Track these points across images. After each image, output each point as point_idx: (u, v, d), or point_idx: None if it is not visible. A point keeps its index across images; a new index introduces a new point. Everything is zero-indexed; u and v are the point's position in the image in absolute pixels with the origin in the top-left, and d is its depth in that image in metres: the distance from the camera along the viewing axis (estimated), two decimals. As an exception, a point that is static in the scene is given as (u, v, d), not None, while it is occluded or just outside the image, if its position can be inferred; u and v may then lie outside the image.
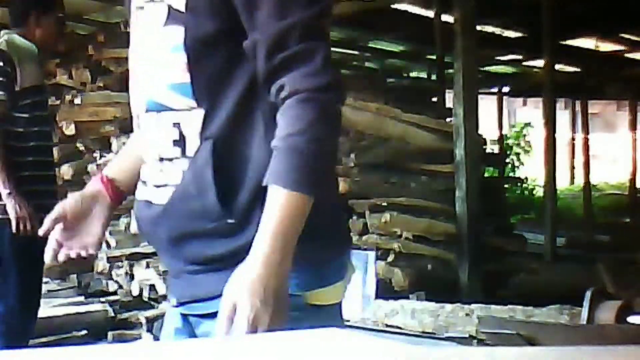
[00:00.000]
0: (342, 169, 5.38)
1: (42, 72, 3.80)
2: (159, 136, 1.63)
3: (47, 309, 5.01)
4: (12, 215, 3.37)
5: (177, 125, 1.60)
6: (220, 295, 1.50)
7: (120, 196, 1.89)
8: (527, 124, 14.93)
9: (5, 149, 3.40)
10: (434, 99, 8.04)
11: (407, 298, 4.87)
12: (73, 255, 1.79)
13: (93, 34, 6.59)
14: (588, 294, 3.97)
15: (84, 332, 4.78)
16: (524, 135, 14.87)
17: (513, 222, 7.76)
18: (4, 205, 3.39)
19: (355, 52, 11.24)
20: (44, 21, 3.61)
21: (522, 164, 14.41)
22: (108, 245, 5.32)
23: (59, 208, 1.76)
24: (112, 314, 5.05)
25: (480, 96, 6.53)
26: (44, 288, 5.64)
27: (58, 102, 5.92)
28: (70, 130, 5.68)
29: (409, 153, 5.87)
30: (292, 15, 1.49)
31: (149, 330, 4.68)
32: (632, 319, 3.90)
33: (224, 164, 1.56)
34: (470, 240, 5.41)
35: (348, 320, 3.65)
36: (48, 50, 3.82)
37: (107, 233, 5.25)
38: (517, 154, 14.46)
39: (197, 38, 1.56)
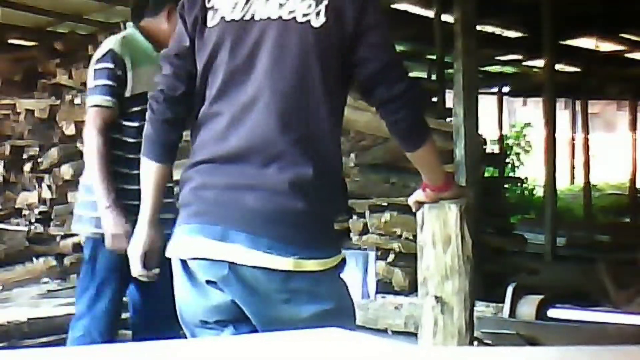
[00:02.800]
0: (342, 169, 5.37)
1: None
2: None
3: (47, 309, 5.01)
4: (106, 231, 3.05)
5: None
6: None
7: None
8: (527, 124, 14.94)
9: (110, 160, 3.07)
10: (434, 99, 8.04)
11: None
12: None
13: (93, 34, 6.59)
14: (510, 288, 4.03)
15: (84, 332, 4.77)
16: (524, 135, 14.88)
17: (513, 222, 7.75)
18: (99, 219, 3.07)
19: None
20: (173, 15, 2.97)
21: (522, 164, 14.41)
22: (108, 245, 5.32)
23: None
24: (112, 314, 5.04)
25: (480, 96, 6.53)
26: (44, 288, 5.67)
27: (58, 102, 5.93)
28: (70, 130, 5.69)
29: (409, 153, 5.86)
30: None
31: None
32: (551, 312, 3.95)
33: None
34: (470, 240, 5.40)
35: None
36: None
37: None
38: (517, 154, 14.47)
39: None
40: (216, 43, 2.10)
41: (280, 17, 2.08)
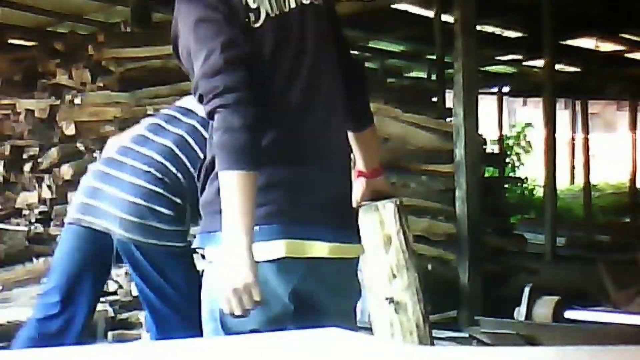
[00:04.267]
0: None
1: None
2: None
3: (47, 309, 5.01)
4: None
5: None
6: None
7: None
8: (528, 124, 14.92)
9: None
10: (434, 99, 8.04)
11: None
12: None
13: (93, 34, 6.59)
14: (526, 290, 4.01)
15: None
16: (525, 136, 14.87)
17: (513, 222, 7.75)
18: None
19: (355, 52, 11.24)
20: None
21: (522, 164, 14.41)
22: (108, 245, 5.32)
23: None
24: (112, 314, 5.04)
25: (480, 96, 6.53)
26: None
27: (58, 102, 5.93)
28: (70, 130, 5.68)
29: (409, 153, 5.87)
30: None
31: (149, 330, 4.67)
32: (568, 314, 3.94)
33: None
34: (470, 240, 5.41)
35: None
36: None
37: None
38: (518, 154, 14.46)
39: None
40: (265, 43, 2.08)
41: (311, 2, 2.14)
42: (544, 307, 3.95)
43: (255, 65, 2.06)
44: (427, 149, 5.88)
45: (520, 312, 3.99)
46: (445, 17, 7.90)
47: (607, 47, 11.40)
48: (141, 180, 3.07)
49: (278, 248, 2.01)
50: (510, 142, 14.66)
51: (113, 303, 5.20)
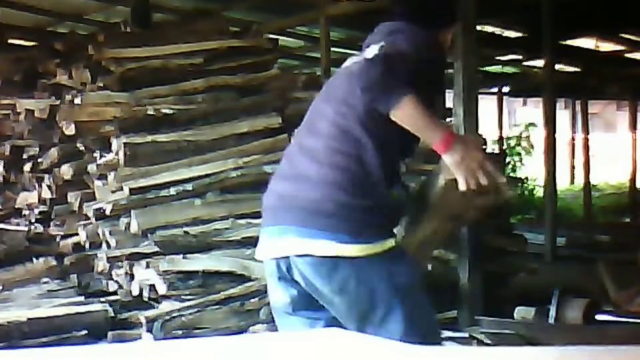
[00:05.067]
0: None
1: None
2: None
3: (47, 309, 5.01)
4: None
5: None
6: None
7: None
8: (531, 124, 14.89)
9: None
10: (434, 99, 8.03)
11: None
12: None
13: (93, 34, 6.59)
14: (556, 292, 3.99)
15: (84, 332, 4.78)
16: (528, 137, 14.84)
17: (513, 222, 7.75)
18: None
19: (356, 52, 11.23)
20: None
21: (523, 164, 14.41)
22: (108, 245, 5.32)
23: None
24: (112, 314, 5.05)
25: (480, 96, 6.52)
26: (44, 288, 5.67)
27: (58, 102, 5.93)
28: (70, 130, 5.68)
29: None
30: None
31: (149, 330, 4.68)
32: (599, 316, 3.92)
33: None
34: (470, 240, 5.40)
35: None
36: None
37: (107, 232, 5.27)
38: (519, 154, 14.46)
39: None
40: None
41: None
42: (574, 310, 3.91)
43: None
44: (427, 149, 5.87)
45: (550, 315, 3.95)
46: (445, 17, 7.89)
47: (607, 47, 11.40)
48: None
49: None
50: (512, 142, 14.66)
51: (113, 303, 5.21)
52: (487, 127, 13.63)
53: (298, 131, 2.93)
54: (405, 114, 2.48)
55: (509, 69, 13.51)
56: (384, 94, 2.47)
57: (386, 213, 2.66)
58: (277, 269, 2.69)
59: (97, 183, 5.55)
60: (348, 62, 2.92)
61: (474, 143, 2.62)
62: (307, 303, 2.70)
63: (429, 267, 5.45)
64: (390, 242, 2.63)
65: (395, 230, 2.76)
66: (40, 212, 6.24)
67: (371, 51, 2.65)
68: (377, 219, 2.62)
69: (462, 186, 2.56)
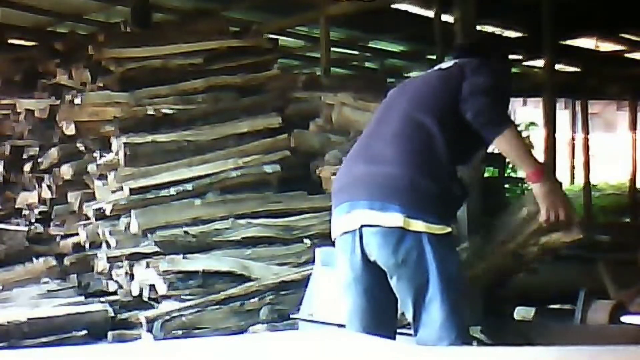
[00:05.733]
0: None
1: None
2: None
3: (47, 309, 5.01)
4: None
5: None
6: None
7: None
8: (532, 123, 14.86)
9: None
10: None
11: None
12: None
13: (93, 34, 6.59)
14: (581, 294, 3.98)
15: (84, 332, 4.78)
16: (528, 136, 14.82)
17: (513, 222, 7.73)
18: None
19: (355, 52, 11.25)
20: None
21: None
22: (108, 245, 5.32)
23: None
24: (112, 314, 5.05)
25: (480, 96, 6.51)
26: (44, 288, 5.67)
27: (58, 102, 5.93)
28: (70, 130, 5.68)
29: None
30: None
31: (149, 330, 4.68)
32: (625, 318, 3.90)
33: None
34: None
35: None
36: None
37: (107, 232, 5.28)
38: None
39: None
40: None
41: None
42: (600, 312, 3.90)
43: None
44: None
45: (575, 317, 3.94)
46: (445, 17, 7.90)
47: (607, 47, 11.40)
48: None
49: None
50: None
51: (113, 303, 5.21)
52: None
53: (370, 123, 3.24)
54: (508, 142, 2.92)
55: (508, 69, 13.48)
56: (492, 123, 2.91)
57: (449, 201, 3.02)
58: (350, 242, 2.97)
59: (97, 183, 5.55)
60: (427, 72, 3.36)
61: (560, 183, 3.08)
62: (374, 280, 3.00)
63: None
64: (449, 229, 2.96)
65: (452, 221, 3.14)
66: (40, 212, 6.24)
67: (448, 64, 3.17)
68: (442, 204, 2.95)
69: (542, 217, 2.97)
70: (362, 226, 2.95)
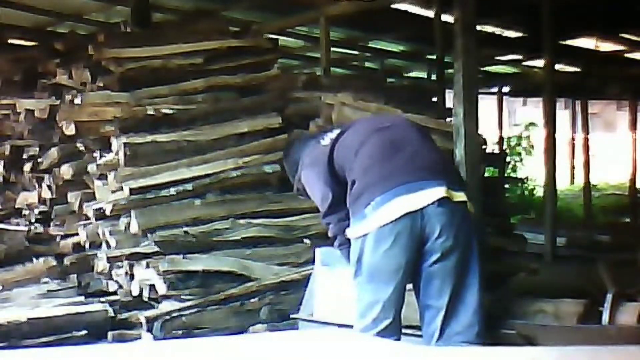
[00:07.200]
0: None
1: None
2: None
3: (47, 309, 5.01)
4: None
5: None
6: None
7: None
8: (532, 123, 14.88)
9: None
10: (434, 99, 8.03)
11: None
12: None
13: (93, 34, 6.58)
14: (609, 296, 3.97)
15: (84, 332, 4.78)
16: (528, 137, 14.83)
17: (513, 222, 7.74)
18: None
19: (355, 52, 11.24)
20: None
21: (523, 164, 14.40)
22: (108, 245, 5.32)
23: None
24: (112, 314, 5.05)
25: (480, 96, 6.51)
26: (44, 288, 5.67)
27: (58, 102, 5.92)
28: (70, 130, 5.68)
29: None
30: None
31: (149, 330, 4.68)
32: None
33: None
34: (470, 240, 5.40)
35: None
36: None
37: (107, 232, 5.28)
38: (520, 154, 14.44)
39: None
40: None
41: None
42: (628, 314, 3.90)
43: None
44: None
45: (603, 318, 3.93)
46: (445, 17, 7.90)
47: (607, 47, 11.39)
48: None
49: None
50: (513, 142, 14.64)
51: (113, 303, 5.21)
52: (487, 127, 13.62)
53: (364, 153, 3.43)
54: None
55: (509, 69, 13.50)
56: None
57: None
58: (410, 223, 3.12)
59: (97, 183, 5.55)
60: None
61: None
62: (413, 265, 3.19)
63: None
64: None
65: None
66: (40, 212, 6.24)
67: None
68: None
69: None
70: (430, 205, 3.14)
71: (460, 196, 3.15)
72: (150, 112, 5.46)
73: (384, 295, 3.21)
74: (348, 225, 3.36)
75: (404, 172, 3.18)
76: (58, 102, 5.92)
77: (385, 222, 3.18)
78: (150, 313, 4.76)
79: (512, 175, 13.17)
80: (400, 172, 3.19)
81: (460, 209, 3.13)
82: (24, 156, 6.36)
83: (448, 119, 6.31)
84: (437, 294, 3.09)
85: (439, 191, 3.11)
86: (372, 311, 3.23)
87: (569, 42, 10.55)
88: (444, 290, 3.08)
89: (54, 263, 5.92)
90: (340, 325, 3.70)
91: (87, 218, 5.59)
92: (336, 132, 3.66)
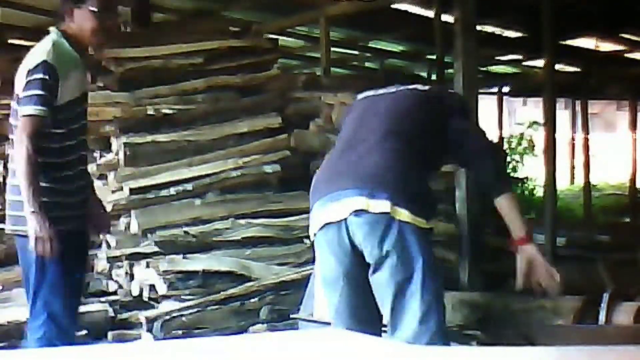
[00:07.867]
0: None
1: (84, 81, 3.63)
2: None
3: (47, 309, 5.00)
4: (31, 234, 3.35)
5: None
6: None
7: None
8: (535, 122, 14.87)
9: (38, 166, 3.29)
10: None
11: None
12: None
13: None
14: (605, 295, 3.97)
15: (84, 332, 4.77)
16: (530, 137, 14.82)
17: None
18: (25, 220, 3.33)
19: (355, 52, 11.25)
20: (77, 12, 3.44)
21: (523, 164, 14.40)
22: (108, 245, 5.32)
23: None
24: (112, 314, 5.05)
25: (480, 96, 6.52)
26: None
27: (58, 102, 5.92)
28: (70, 130, 5.67)
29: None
30: None
31: (149, 330, 4.68)
32: None
33: None
34: (470, 240, 5.41)
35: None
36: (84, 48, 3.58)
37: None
38: (520, 154, 14.45)
39: None
40: None
41: None
42: (625, 314, 3.90)
43: None
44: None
45: (599, 318, 3.93)
46: (445, 17, 7.90)
47: (607, 47, 11.40)
48: None
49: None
50: (513, 142, 14.64)
51: (113, 303, 5.21)
52: (487, 127, 13.61)
53: (345, 132, 3.36)
54: (509, 204, 3.28)
55: (509, 69, 13.50)
56: (501, 183, 3.27)
57: (430, 200, 3.16)
58: (336, 233, 3.00)
59: (97, 183, 5.54)
60: (387, 91, 3.46)
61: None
62: (364, 275, 3.02)
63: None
64: (431, 224, 3.08)
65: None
66: (40, 212, 6.23)
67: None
68: (425, 200, 3.08)
69: (541, 276, 3.33)
70: (348, 216, 2.97)
71: (380, 206, 2.93)
72: (150, 112, 5.46)
73: (334, 301, 3.15)
74: None
75: (337, 178, 3.08)
76: (58, 102, 5.91)
77: (317, 229, 3.12)
78: (150, 313, 4.76)
79: (512, 175, 13.17)
80: (336, 177, 3.09)
81: (383, 219, 2.92)
82: (24, 156, 6.34)
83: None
84: (381, 305, 3.03)
85: (357, 202, 2.95)
86: (331, 313, 3.20)
87: (569, 42, 10.56)
88: (385, 301, 2.98)
89: (54, 263, 5.91)
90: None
91: (87, 218, 5.58)
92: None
